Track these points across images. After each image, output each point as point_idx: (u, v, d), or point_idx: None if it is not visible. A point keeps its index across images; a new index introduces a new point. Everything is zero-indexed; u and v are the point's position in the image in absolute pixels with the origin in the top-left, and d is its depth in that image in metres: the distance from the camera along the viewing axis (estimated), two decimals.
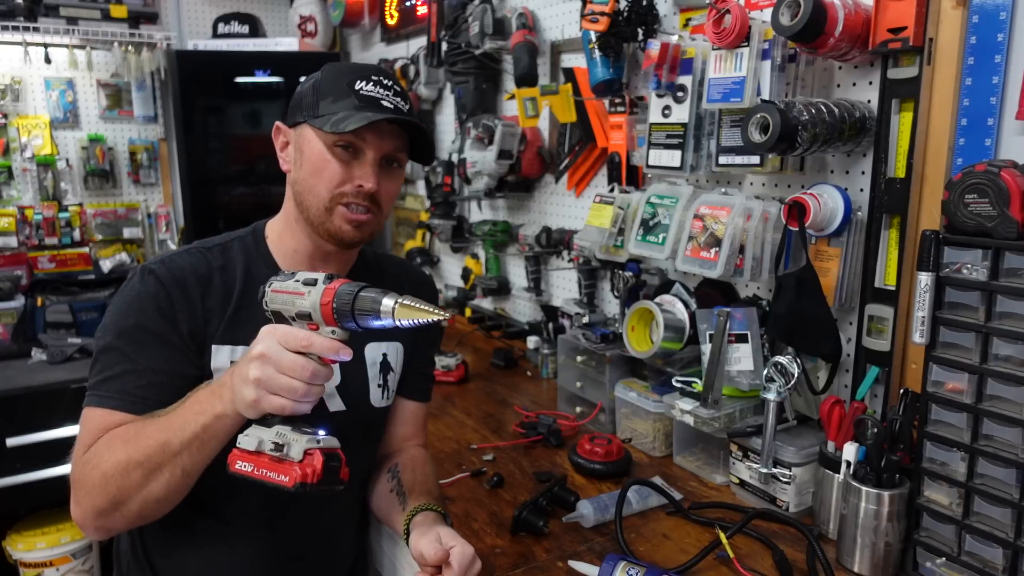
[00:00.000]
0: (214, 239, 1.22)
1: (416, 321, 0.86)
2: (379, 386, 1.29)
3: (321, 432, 0.92)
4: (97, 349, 1.11)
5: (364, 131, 1.10)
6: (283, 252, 1.22)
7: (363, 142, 1.12)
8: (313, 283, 0.91)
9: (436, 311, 0.85)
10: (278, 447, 0.90)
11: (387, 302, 0.86)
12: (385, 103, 1.12)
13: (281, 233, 1.23)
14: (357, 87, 1.12)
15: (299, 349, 0.89)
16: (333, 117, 1.09)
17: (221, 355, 1.13)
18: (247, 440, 0.92)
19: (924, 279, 1.08)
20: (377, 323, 0.88)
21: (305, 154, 1.14)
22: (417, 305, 0.86)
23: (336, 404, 1.22)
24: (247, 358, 0.91)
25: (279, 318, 0.95)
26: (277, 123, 1.21)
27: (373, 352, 1.29)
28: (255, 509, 1.16)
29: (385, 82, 1.15)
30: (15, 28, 2.99)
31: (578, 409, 1.83)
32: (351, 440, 1.23)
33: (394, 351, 1.32)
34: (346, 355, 0.91)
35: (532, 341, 2.27)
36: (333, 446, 0.93)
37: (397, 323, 0.86)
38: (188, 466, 0.98)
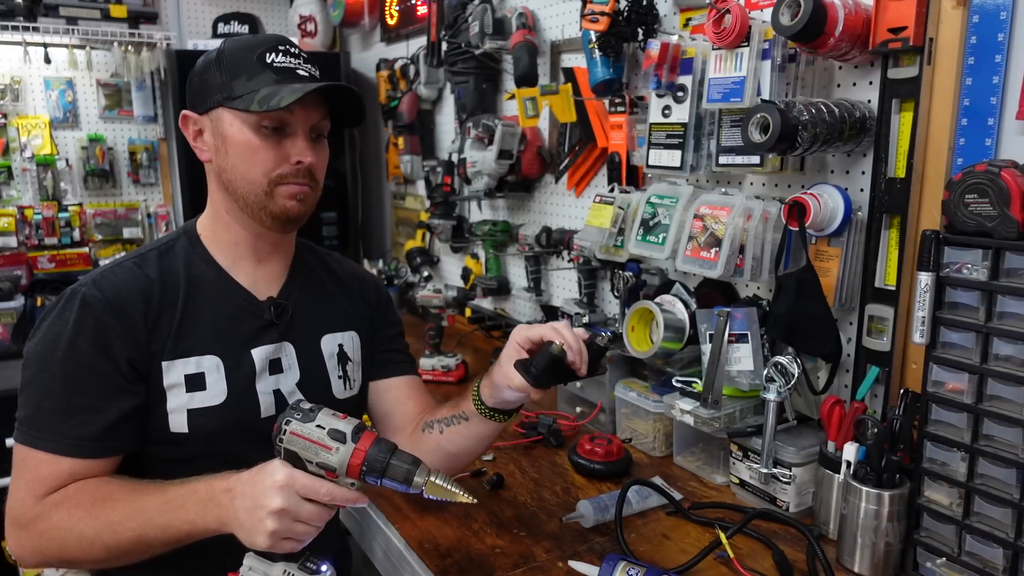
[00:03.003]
0: (150, 244, 1.16)
1: (443, 499, 0.89)
2: (339, 377, 1.25)
3: (324, 567, 0.92)
4: (23, 379, 1.04)
5: (293, 105, 1.04)
6: (220, 248, 1.16)
7: (291, 116, 1.07)
8: (341, 439, 0.88)
9: (466, 496, 0.89)
10: None
11: (419, 480, 0.88)
12: (300, 72, 1.08)
13: (214, 229, 1.17)
14: (268, 60, 1.07)
15: (320, 501, 0.88)
16: (256, 95, 1.04)
17: (174, 371, 1.08)
18: None
19: (924, 279, 1.08)
20: (401, 489, 0.89)
21: (230, 139, 1.08)
22: (447, 486, 0.89)
23: None
24: (262, 506, 0.86)
25: (291, 456, 0.90)
26: (184, 112, 1.13)
27: (329, 344, 1.25)
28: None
29: (292, 50, 1.10)
30: (15, 28, 2.99)
31: (578, 409, 1.83)
32: None
33: (350, 340, 1.28)
34: (364, 503, 0.92)
35: None
36: None
37: (425, 496, 0.89)
38: (159, 553, 0.97)
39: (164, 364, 1.07)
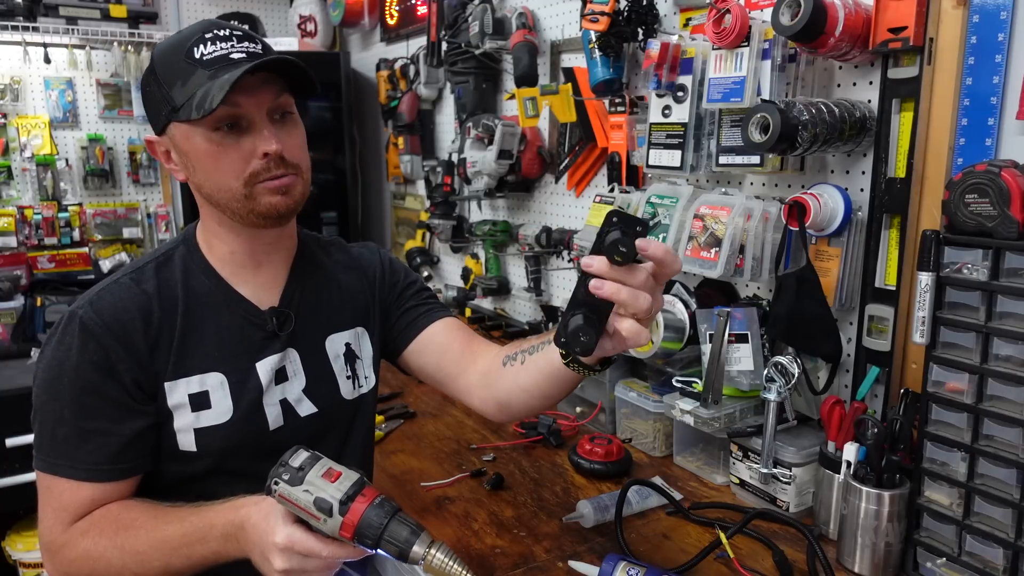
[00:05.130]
0: (150, 255, 1.13)
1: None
2: (348, 378, 1.22)
3: None
4: (35, 406, 1.04)
5: (235, 96, 0.95)
6: (218, 258, 1.12)
7: (239, 108, 0.98)
8: (328, 511, 0.83)
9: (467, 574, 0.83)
10: None
11: (417, 551, 0.83)
12: (234, 55, 0.98)
13: (208, 240, 1.12)
14: (197, 55, 0.97)
15: (323, 559, 0.87)
16: (194, 101, 0.95)
17: (177, 391, 1.05)
18: None
19: (924, 279, 1.08)
20: (398, 561, 0.85)
21: (191, 154, 1.02)
22: (451, 563, 0.82)
23: (307, 408, 1.16)
24: (269, 560, 0.87)
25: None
26: (146, 137, 1.09)
27: (335, 345, 1.21)
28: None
29: (222, 33, 1.00)
30: (15, 28, 2.99)
31: (578, 409, 1.83)
32: (331, 438, 1.16)
33: (356, 337, 1.24)
34: (371, 552, 0.87)
35: None
36: None
37: (422, 572, 0.83)
38: (190, 574, 0.98)
39: (167, 384, 1.04)
